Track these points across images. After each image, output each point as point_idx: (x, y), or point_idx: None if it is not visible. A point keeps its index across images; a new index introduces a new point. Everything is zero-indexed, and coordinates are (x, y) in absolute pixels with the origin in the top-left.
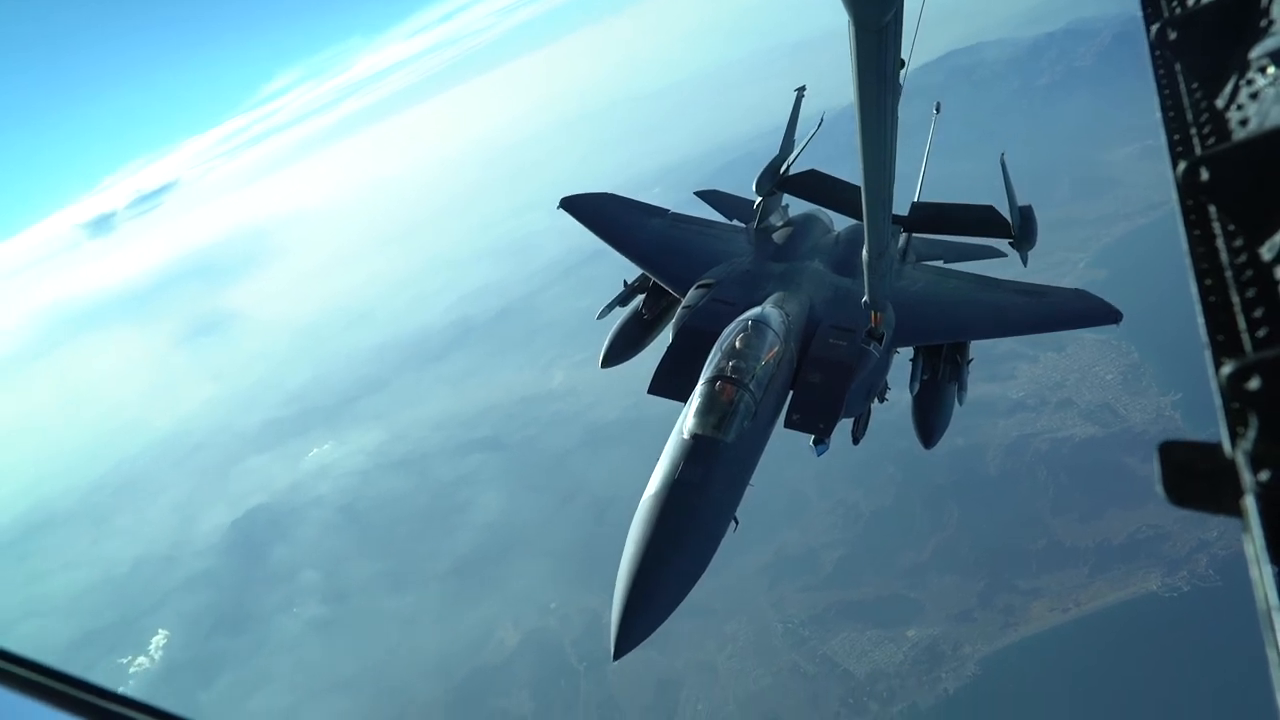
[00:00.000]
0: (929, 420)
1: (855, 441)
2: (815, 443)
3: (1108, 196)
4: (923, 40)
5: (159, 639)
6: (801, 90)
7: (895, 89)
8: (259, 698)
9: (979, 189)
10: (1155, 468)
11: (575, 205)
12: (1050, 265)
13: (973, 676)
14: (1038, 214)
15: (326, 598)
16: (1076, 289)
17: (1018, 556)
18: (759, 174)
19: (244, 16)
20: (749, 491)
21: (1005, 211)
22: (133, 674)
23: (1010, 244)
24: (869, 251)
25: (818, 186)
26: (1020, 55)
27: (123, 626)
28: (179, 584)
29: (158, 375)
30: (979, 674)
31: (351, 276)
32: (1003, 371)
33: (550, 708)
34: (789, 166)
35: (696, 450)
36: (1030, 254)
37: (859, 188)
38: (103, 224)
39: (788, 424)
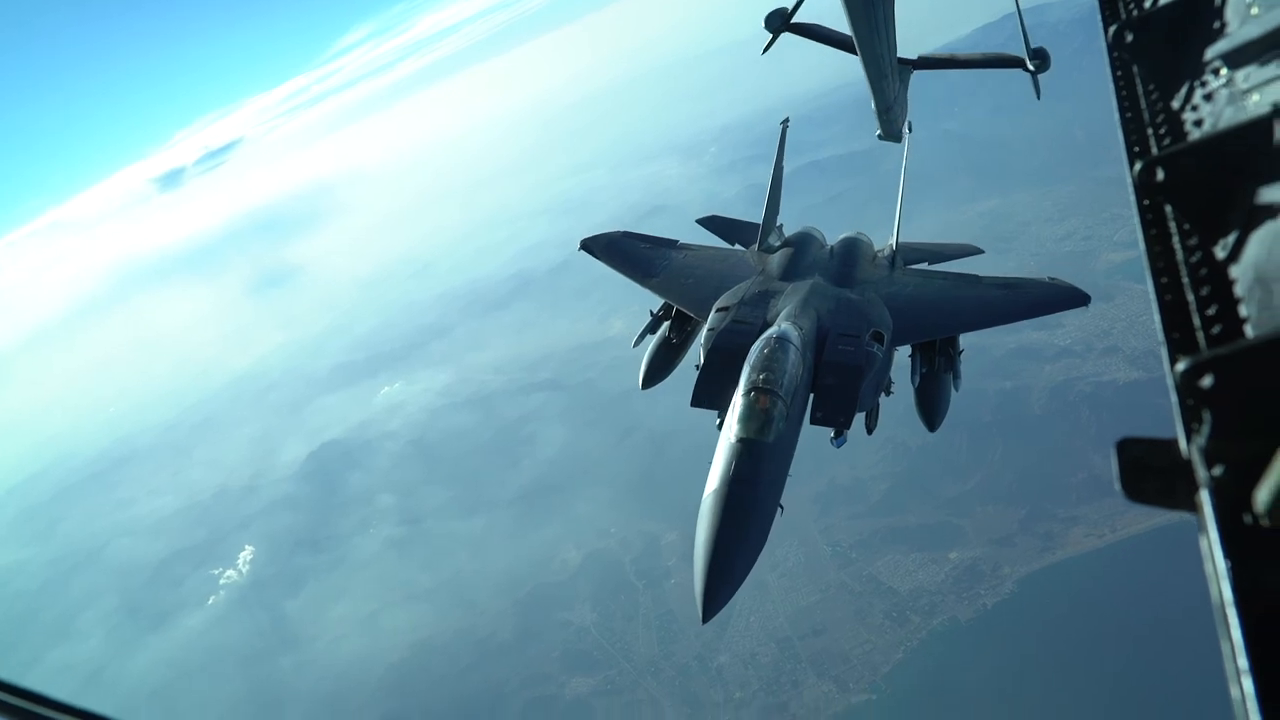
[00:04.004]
0: (931, 408)
1: (869, 432)
2: (835, 436)
3: None
4: (985, 1)
5: (246, 554)
6: (785, 122)
7: None
8: (341, 606)
9: (1039, 146)
10: (1113, 465)
11: (594, 246)
12: (1104, 221)
13: (1010, 593)
14: (1099, 171)
15: (402, 520)
16: (1050, 277)
17: (1058, 488)
18: (769, 11)
19: None
20: (789, 479)
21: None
22: (223, 585)
23: (1023, 69)
24: (878, 106)
25: (824, 34)
26: (1085, 15)
27: (210, 545)
28: (261, 508)
29: (228, 324)
30: (1016, 591)
31: (413, 232)
32: (1049, 320)
33: (611, 619)
34: (794, 11)
35: (744, 451)
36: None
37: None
38: (173, 179)
39: (813, 421)
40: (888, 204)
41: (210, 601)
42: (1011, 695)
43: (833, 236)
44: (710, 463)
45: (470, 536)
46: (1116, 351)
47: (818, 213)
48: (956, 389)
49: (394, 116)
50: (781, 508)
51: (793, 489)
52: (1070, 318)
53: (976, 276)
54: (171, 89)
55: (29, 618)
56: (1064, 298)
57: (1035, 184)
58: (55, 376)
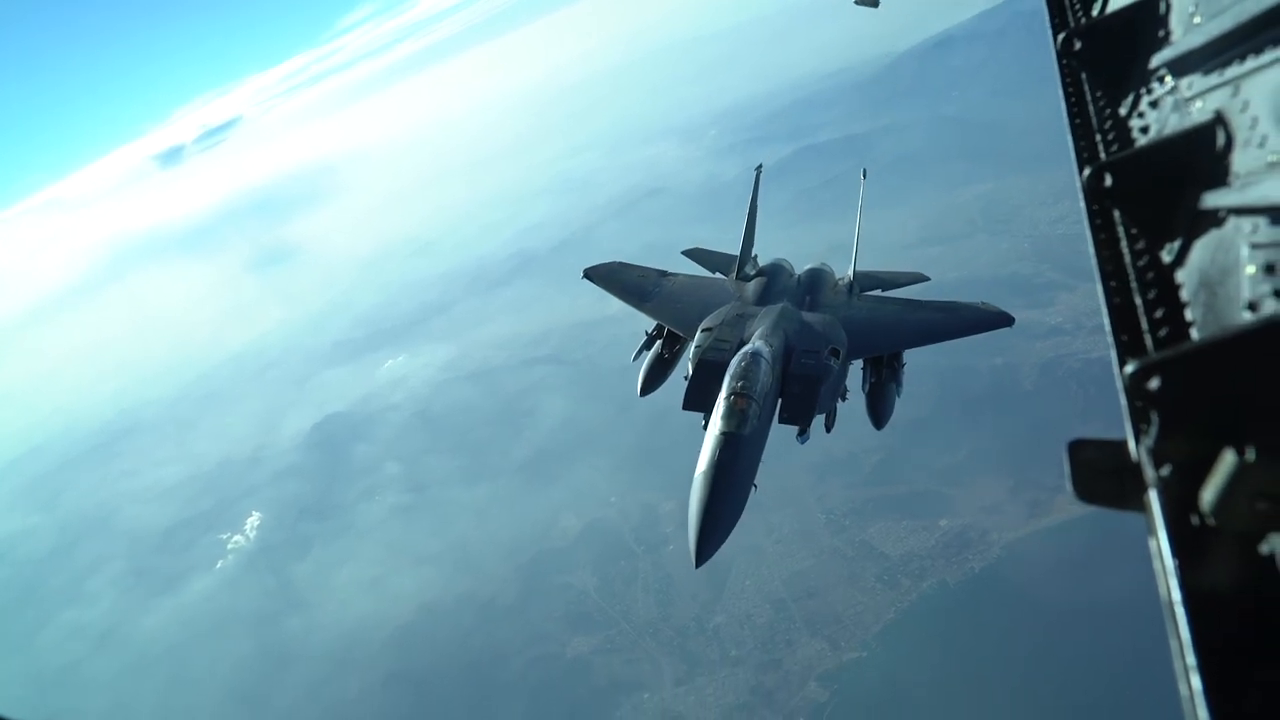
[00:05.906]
0: (877, 410)
1: (828, 430)
2: (799, 434)
3: None
4: None
5: (253, 521)
6: (759, 169)
7: None
8: (348, 570)
9: (1034, 131)
10: (1065, 467)
11: (594, 275)
12: None
13: (997, 558)
14: None
15: (406, 488)
16: (982, 301)
17: (1046, 458)
18: None
19: None
20: (761, 466)
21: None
22: (231, 550)
23: None
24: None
25: None
26: None
27: (217, 512)
28: (267, 477)
29: (228, 301)
30: (1003, 555)
31: (413, 212)
32: (1042, 299)
33: (611, 583)
34: None
35: (726, 443)
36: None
37: None
38: (172, 156)
39: (780, 421)
40: (880, 187)
41: (218, 565)
42: (997, 654)
43: (828, 217)
44: (700, 448)
45: (474, 504)
46: (1105, 330)
47: (814, 195)
48: (899, 395)
49: (394, 97)
50: (755, 486)
51: (789, 459)
52: (1062, 297)
53: (920, 302)
54: (170, 66)
55: (39, 582)
56: (992, 320)
57: (1030, 168)
58: (54, 353)
